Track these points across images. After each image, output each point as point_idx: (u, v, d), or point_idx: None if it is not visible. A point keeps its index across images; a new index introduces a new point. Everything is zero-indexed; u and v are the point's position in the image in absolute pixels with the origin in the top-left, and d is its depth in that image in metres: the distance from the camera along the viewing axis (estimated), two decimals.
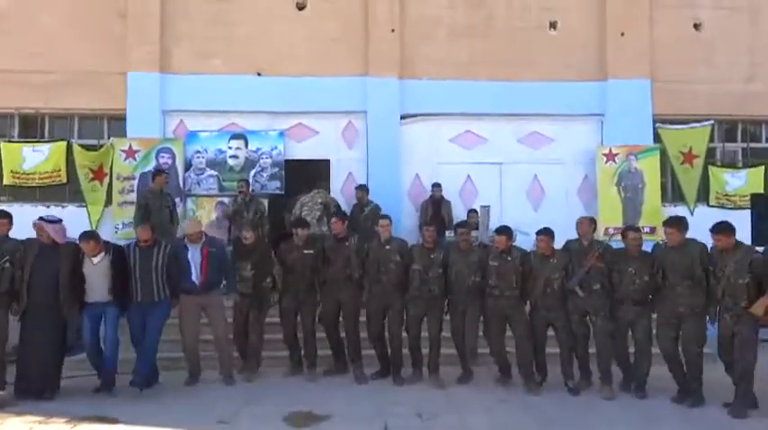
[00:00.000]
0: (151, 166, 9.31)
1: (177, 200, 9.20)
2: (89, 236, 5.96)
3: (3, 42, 9.24)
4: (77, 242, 5.94)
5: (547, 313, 6.10)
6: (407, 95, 9.60)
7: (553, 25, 9.93)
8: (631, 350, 6.13)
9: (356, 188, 9.09)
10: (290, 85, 9.47)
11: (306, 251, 6.53)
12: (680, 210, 9.54)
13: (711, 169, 9.92)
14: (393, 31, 9.57)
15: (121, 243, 7.38)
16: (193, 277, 6.18)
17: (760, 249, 5.73)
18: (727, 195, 9.84)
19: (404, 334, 6.43)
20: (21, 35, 9.26)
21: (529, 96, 9.66)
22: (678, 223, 5.80)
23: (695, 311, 5.63)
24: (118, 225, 9.13)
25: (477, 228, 8.76)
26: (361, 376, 6.45)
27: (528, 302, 6.23)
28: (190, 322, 6.24)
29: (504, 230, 6.22)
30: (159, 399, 5.86)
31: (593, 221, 6.34)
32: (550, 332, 6.22)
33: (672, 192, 10.08)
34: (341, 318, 6.61)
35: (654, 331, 5.92)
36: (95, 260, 5.87)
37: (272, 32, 9.56)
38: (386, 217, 6.73)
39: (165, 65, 9.43)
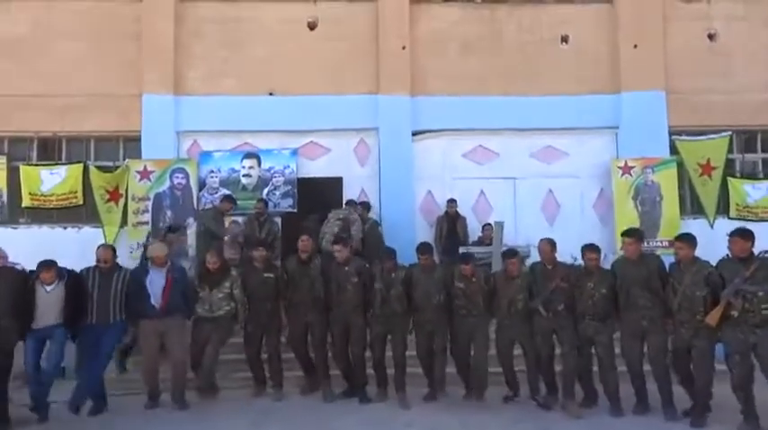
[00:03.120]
0: (166, 187, 9.41)
1: (191, 220, 9.31)
2: (49, 265, 5.76)
3: (21, 67, 9.45)
4: (22, 269, 5.90)
5: (512, 331, 6.15)
6: (419, 112, 9.60)
7: (565, 39, 9.89)
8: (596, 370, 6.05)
9: (357, 205, 9.05)
10: (301, 103, 9.53)
11: (266, 275, 6.45)
12: (700, 223, 9.40)
13: (731, 181, 9.71)
14: (404, 48, 9.61)
15: (137, 263, 7.52)
16: (152, 301, 6.04)
17: None
18: (747, 207, 9.62)
19: (368, 353, 6.36)
20: (38, 60, 9.48)
21: (541, 110, 9.60)
22: (635, 234, 6.01)
23: (657, 323, 5.69)
24: (133, 245, 9.18)
25: (490, 243, 8.70)
26: (329, 394, 6.36)
27: (495, 320, 6.30)
28: (149, 346, 6.13)
29: (469, 258, 6.38)
30: (164, 421, 5.82)
31: (554, 245, 6.28)
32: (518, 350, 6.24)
33: (691, 204, 9.90)
34: (309, 339, 6.52)
35: (618, 347, 5.92)
36: (49, 288, 5.73)
37: (284, 52, 9.66)
38: (339, 241, 6.61)
39: (178, 86, 9.56)
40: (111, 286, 5.95)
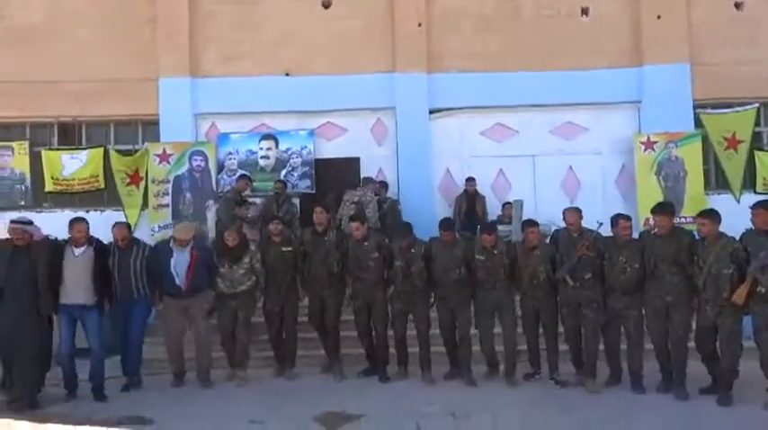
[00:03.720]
0: (185, 170, 9.46)
1: (211, 202, 9.38)
2: (80, 219, 5.94)
3: (40, 54, 9.50)
4: (55, 238, 6.03)
5: (535, 304, 6.08)
6: (436, 90, 9.49)
7: (585, 12, 9.66)
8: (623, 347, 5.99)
9: (376, 183, 9.01)
10: (318, 84, 9.46)
11: (284, 249, 6.47)
12: (725, 198, 9.21)
13: (758, 154, 9.46)
14: (420, 25, 9.47)
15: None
16: (177, 281, 6.13)
17: None
18: None
19: (390, 331, 6.38)
20: (55, 46, 9.51)
21: (561, 86, 9.41)
22: (666, 210, 5.79)
23: (681, 300, 5.58)
24: (154, 227, 9.30)
25: (510, 222, 8.62)
26: (339, 373, 6.41)
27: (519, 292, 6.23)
28: (173, 325, 6.24)
29: (490, 228, 6.23)
30: (190, 400, 5.92)
31: (581, 213, 6.18)
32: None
33: (715, 179, 9.70)
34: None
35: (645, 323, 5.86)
36: (78, 251, 5.80)
37: (299, 32, 9.58)
38: (356, 218, 6.55)
39: (194, 69, 9.55)
40: (131, 262, 6.06)
